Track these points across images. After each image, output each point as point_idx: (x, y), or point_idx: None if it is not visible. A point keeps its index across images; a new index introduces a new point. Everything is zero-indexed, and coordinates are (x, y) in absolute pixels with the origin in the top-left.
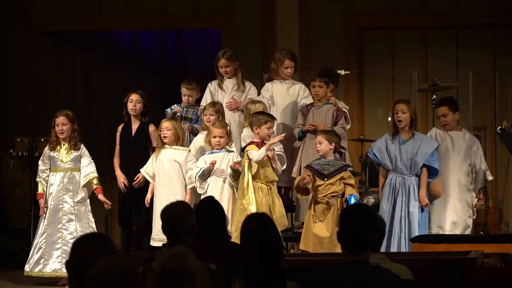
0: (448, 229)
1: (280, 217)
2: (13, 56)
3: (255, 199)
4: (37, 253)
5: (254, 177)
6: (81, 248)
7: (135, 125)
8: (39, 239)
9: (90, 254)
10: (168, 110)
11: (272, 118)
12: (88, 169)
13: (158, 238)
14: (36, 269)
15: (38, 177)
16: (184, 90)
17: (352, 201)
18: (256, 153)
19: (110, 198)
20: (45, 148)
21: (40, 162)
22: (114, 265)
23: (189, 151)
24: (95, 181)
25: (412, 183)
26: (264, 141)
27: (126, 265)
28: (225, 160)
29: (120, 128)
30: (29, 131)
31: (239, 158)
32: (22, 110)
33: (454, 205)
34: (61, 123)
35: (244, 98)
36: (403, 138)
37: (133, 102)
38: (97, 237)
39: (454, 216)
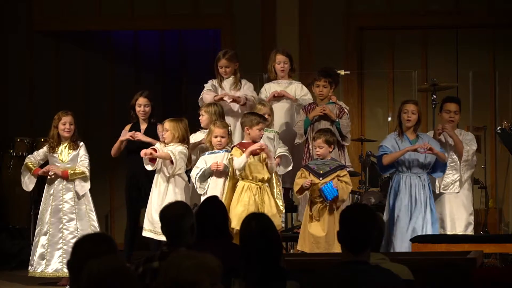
0: (449, 228)
1: (270, 217)
2: (13, 56)
3: (241, 199)
4: (38, 252)
5: (243, 177)
6: (82, 248)
7: (143, 126)
8: (39, 238)
9: (92, 254)
10: None
11: (264, 119)
12: (80, 163)
13: (148, 229)
14: (39, 270)
15: (28, 161)
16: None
17: (329, 193)
18: (237, 161)
19: (113, 195)
20: (44, 147)
21: (35, 152)
22: (105, 266)
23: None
24: (76, 170)
25: (427, 182)
26: (255, 142)
27: (117, 265)
28: (225, 160)
29: (127, 128)
30: (29, 131)
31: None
32: (22, 110)
33: (454, 203)
34: (69, 122)
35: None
36: (410, 138)
37: (142, 107)
38: (98, 237)
39: (455, 214)
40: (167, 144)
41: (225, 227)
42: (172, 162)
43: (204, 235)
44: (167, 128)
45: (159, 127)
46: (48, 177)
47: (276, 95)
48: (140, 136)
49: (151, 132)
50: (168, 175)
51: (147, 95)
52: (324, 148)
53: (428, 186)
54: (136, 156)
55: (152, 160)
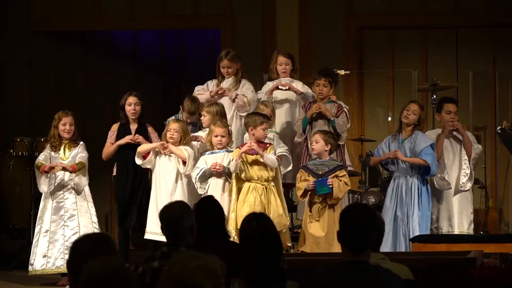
0: (457, 227)
1: (276, 218)
2: (13, 56)
3: (247, 200)
4: (38, 251)
5: (248, 178)
6: (81, 248)
7: (133, 126)
8: (39, 237)
9: (90, 254)
10: (172, 117)
11: (268, 119)
12: (79, 157)
13: (151, 231)
14: (40, 267)
15: (38, 162)
16: (187, 108)
17: (320, 188)
18: (231, 164)
19: (113, 195)
20: (46, 148)
21: (42, 155)
22: (104, 266)
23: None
24: (80, 164)
25: (415, 183)
26: (260, 142)
27: (117, 265)
28: (225, 160)
29: (115, 128)
30: (29, 131)
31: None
32: (22, 110)
33: (462, 202)
34: (69, 123)
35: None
36: (403, 137)
37: (132, 105)
38: (96, 237)
39: (459, 213)
40: (174, 144)
41: (221, 227)
42: (183, 162)
43: (201, 235)
44: (177, 129)
45: (149, 128)
46: (54, 171)
47: (280, 86)
48: (142, 140)
49: (142, 133)
50: (182, 172)
51: (137, 94)
52: (320, 144)
53: (418, 187)
54: (127, 157)
55: (144, 156)
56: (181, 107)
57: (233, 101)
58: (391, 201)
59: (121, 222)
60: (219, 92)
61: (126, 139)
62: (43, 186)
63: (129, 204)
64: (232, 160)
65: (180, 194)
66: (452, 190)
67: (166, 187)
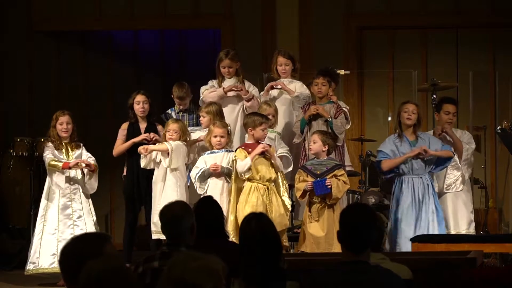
0: (453, 228)
1: (278, 217)
2: (13, 56)
3: (249, 200)
4: (45, 250)
5: (250, 178)
6: (70, 250)
7: (143, 125)
8: (43, 235)
9: (79, 255)
10: (169, 111)
11: (267, 119)
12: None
13: (156, 230)
14: (49, 265)
15: (51, 160)
16: (175, 94)
17: (318, 188)
18: (241, 164)
19: (114, 195)
20: (49, 144)
21: (50, 154)
22: (104, 266)
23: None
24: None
25: (429, 182)
26: (259, 142)
27: (116, 265)
28: (224, 160)
29: (125, 126)
30: (29, 131)
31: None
32: (22, 110)
33: (456, 202)
34: (66, 122)
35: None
36: (410, 139)
37: (141, 104)
38: (85, 237)
39: (457, 213)
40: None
41: (220, 227)
42: (169, 154)
43: (200, 236)
44: (176, 129)
45: (159, 127)
46: (78, 168)
47: (274, 85)
48: (157, 138)
49: (151, 131)
50: (165, 166)
51: (144, 93)
52: (318, 144)
53: (432, 186)
54: (137, 157)
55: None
56: (172, 96)
57: (248, 101)
58: (408, 202)
59: (129, 220)
60: (233, 89)
61: (142, 137)
62: (60, 183)
63: (140, 203)
64: (234, 158)
65: (170, 191)
66: (447, 191)
67: (159, 185)
